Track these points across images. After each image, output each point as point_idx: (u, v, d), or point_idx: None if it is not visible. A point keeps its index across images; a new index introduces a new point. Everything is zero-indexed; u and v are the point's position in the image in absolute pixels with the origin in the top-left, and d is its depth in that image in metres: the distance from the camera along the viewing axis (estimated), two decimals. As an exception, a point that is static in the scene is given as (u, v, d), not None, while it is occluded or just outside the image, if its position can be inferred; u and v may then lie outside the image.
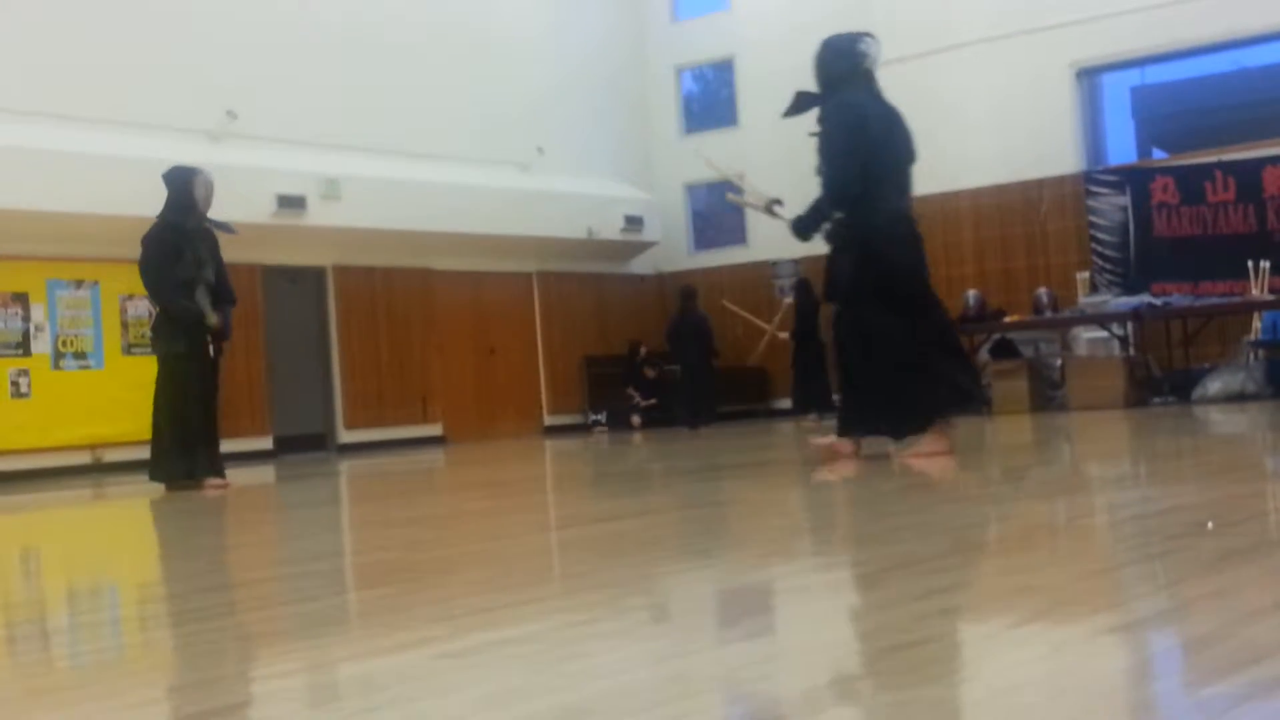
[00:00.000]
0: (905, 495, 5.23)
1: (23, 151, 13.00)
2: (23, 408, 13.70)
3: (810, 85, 6.79)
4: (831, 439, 6.84)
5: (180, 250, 8.44)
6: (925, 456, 6.38)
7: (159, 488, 8.65)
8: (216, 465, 8.60)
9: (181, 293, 8.42)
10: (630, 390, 18.41)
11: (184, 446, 8.48)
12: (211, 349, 8.61)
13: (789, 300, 17.05)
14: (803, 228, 6.85)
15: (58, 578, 4.45)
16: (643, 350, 18.47)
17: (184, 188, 8.55)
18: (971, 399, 6.79)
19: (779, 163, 18.83)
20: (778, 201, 7.22)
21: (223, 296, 8.71)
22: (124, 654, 2.72)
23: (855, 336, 6.59)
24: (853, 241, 6.53)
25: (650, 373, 18.60)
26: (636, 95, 20.46)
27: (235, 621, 2.96)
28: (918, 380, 6.45)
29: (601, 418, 18.35)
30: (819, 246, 18.84)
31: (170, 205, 8.61)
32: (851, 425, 6.71)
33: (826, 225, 6.80)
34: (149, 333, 9.36)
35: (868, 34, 6.68)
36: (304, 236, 15.41)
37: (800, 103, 6.81)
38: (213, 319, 8.47)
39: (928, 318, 6.63)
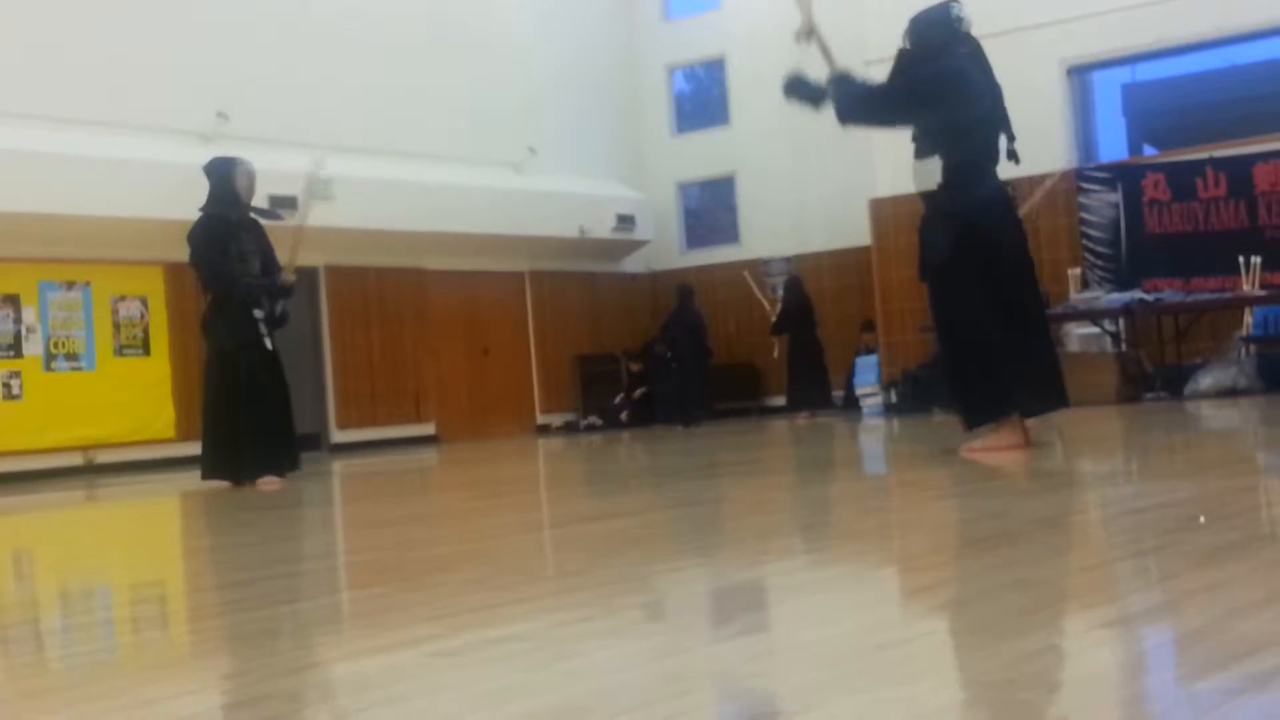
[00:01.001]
0: (897, 492, 5.24)
1: (13, 153, 12.96)
2: (14, 409, 13.66)
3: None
4: (979, 444, 6.30)
5: (225, 244, 8.29)
6: (994, 450, 6.13)
7: (154, 488, 8.64)
8: (276, 462, 8.30)
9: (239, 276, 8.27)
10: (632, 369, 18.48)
11: (221, 445, 8.29)
12: (269, 341, 8.38)
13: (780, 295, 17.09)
14: (841, 100, 6.33)
15: (50, 579, 4.44)
16: (658, 349, 18.50)
17: (225, 179, 8.38)
18: (1023, 405, 6.27)
19: (771, 160, 18.92)
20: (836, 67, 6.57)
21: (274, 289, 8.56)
22: (117, 655, 2.71)
23: (943, 314, 6.35)
24: (951, 217, 6.23)
25: (635, 366, 18.59)
26: (628, 94, 20.46)
27: (229, 622, 2.95)
28: (996, 370, 6.16)
29: (595, 420, 18.34)
30: (812, 244, 18.69)
31: (213, 198, 8.43)
32: (983, 412, 6.31)
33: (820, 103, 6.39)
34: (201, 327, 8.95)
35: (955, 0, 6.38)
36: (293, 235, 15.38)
37: (900, 66, 6.42)
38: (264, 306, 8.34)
39: (1027, 306, 6.35)
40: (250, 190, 8.49)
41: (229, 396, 8.29)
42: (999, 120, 6.37)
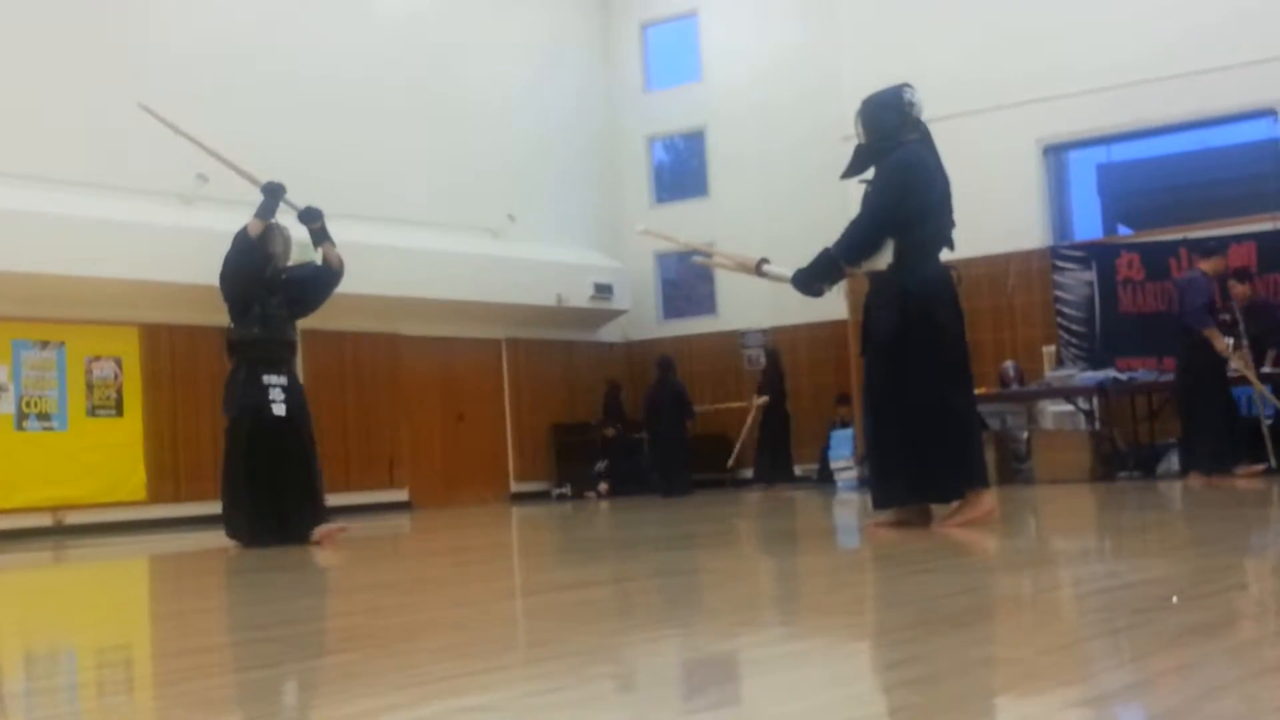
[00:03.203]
0: (871, 567, 5.23)
1: (-10, 212, 12.98)
2: (-16, 468, 13.57)
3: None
4: (879, 519, 6.52)
5: (251, 297, 8.29)
6: (969, 523, 6.21)
7: (123, 551, 8.56)
8: (295, 526, 8.19)
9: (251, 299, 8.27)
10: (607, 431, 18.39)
11: (233, 508, 8.26)
12: (282, 407, 8.25)
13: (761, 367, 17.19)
14: (808, 280, 6.64)
15: (14, 642, 4.38)
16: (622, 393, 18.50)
17: (262, 240, 8.33)
18: (938, 492, 6.40)
19: (748, 233, 19.01)
20: (765, 260, 7.01)
21: (307, 301, 8.58)
22: (80, 720, 2.68)
23: (878, 391, 6.44)
24: (897, 296, 6.32)
25: (610, 432, 18.52)
26: (608, 164, 20.60)
27: (196, 687, 2.92)
28: (918, 454, 6.24)
29: (565, 491, 18.30)
30: (788, 316, 18.81)
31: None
32: (892, 497, 6.45)
33: (835, 280, 6.66)
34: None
35: (907, 84, 6.52)
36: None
37: (860, 160, 6.58)
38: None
39: (961, 388, 6.45)
40: (285, 254, 8.46)
41: (231, 463, 8.27)
42: (947, 206, 6.52)
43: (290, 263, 8.62)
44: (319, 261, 8.67)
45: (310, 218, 8.50)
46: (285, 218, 8.66)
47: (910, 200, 6.35)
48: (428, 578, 6.00)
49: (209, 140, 8.97)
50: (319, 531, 8.18)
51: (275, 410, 8.24)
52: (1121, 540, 6.28)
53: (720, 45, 20.12)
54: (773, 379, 16.71)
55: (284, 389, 8.32)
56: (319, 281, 8.62)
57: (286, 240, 8.49)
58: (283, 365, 8.40)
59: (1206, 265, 11.71)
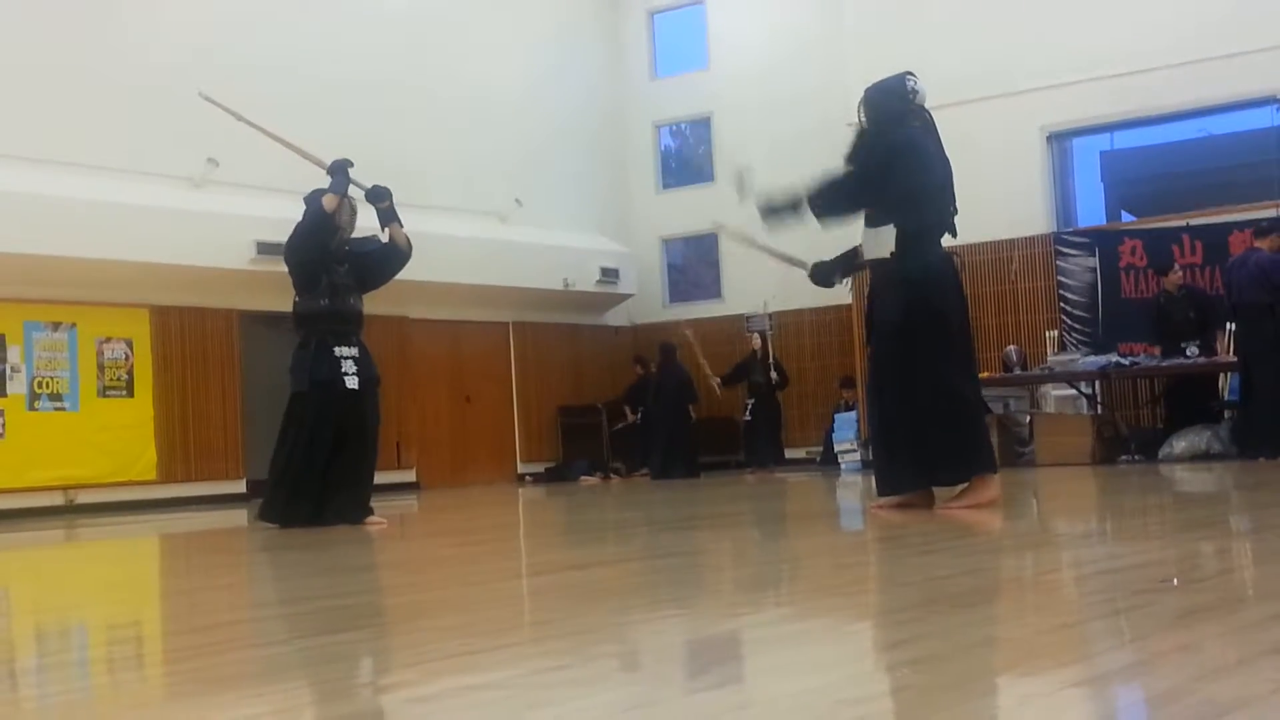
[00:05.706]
0: (874, 548, 5.25)
1: (1, 194, 12.99)
2: (-3, 448, 13.66)
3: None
4: (882, 502, 6.52)
5: (318, 267, 8.18)
6: (973, 507, 6.22)
7: (134, 530, 8.59)
8: (346, 511, 8.03)
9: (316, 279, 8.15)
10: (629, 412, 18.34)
11: (280, 489, 8.10)
12: (353, 380, 8.07)
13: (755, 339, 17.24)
14: (827, 273, 6.78)
15: (26, 618, 4.42)
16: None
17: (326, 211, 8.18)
18: (943, 476, 6.41)
19: (752, 221, 19.00)
20: (801, 263, 7.15)
21: (372, 278, 8.42)
22: (91, 696, 2.71)
23: (883, 378, 6.45)
24: (901, 284, 6.32)
25: (633, 418, 18.52)
26: (615, 150, 20.60)
27: (204, 664, 2.95)
28: (923, 440, 6.24)
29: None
30: (793, 301, 18.75)
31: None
32: (897, 482, 6.46)
33: (791, 213, 6.58)
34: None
35: (910, 72, 6.51)
36: (282, 282, 15.32)
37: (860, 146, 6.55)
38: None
39: (967, 373, 6.46)
40: (351, 225, 8.29)
41: (288, 438, 8.13)
42: (949, 192, 6.50)
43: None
44: (385, 240, 8.48)
45: (378, 196, 8.28)
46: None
47: (905, 181, 6.33)
48: (435, 557, 6.04)
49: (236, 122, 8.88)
50: (370, 520, 8.04)
51: (348, 383, 8.08)
52: (1122, 523, 6.30)
53: (727, 32, 20.12)
54: (766, 365, 16.87)
55: (355, 361, 8.17)
56: (387, 260, 8.43)
57: (353, 211, 8.29)
58: (352, 337, 8.23)
59: (1264, 243, 11.80)
